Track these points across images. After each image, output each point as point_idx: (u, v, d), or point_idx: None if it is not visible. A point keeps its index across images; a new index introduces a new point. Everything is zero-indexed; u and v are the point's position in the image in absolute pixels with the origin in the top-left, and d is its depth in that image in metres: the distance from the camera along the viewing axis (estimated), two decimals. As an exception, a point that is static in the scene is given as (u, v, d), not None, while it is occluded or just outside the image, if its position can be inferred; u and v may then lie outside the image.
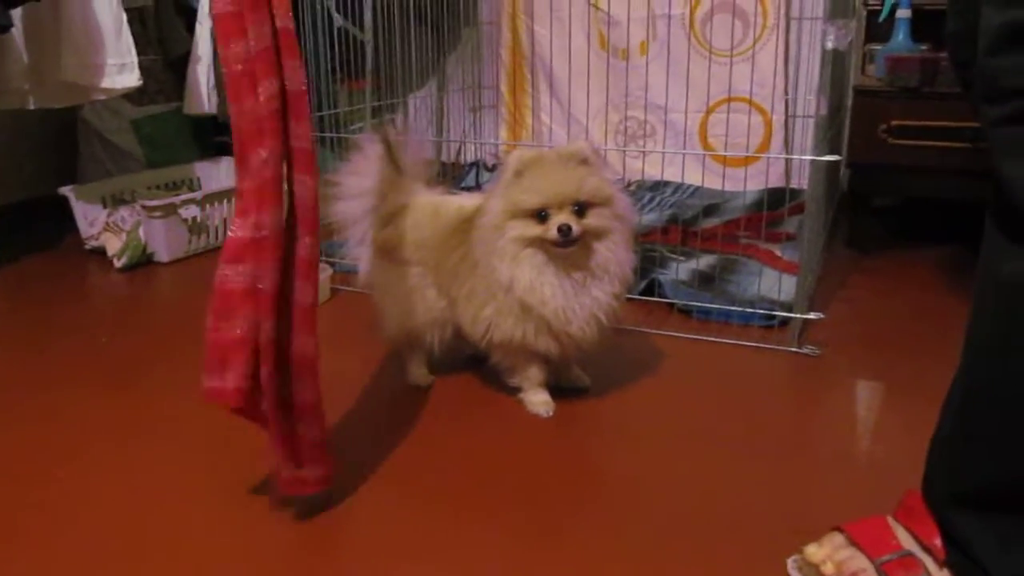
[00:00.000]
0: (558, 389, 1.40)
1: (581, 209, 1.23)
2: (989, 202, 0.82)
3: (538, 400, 1.36)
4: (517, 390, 1.38)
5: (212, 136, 2.75)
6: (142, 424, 1.37)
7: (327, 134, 2.14)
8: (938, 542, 0.89)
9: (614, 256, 1.28)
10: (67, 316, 1.91)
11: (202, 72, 2.54)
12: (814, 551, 0.96)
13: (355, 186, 1.40)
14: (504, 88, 3.05)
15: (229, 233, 1.02)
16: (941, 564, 0.89)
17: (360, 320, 1.62)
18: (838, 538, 0.96)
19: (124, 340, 1.75)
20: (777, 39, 2.65)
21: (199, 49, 2.53)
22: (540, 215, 1.22)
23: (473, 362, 1.49)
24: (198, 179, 2.61)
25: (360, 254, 1.45)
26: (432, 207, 1.39)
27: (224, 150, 2.73)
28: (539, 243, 1.23)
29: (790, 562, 0.97)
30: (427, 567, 1.00)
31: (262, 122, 0.98)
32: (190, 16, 2.55)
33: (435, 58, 2.80)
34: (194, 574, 1.00)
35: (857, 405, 1.44)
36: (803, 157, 1.91)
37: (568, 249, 1.23)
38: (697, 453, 1.25)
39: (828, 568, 0.94)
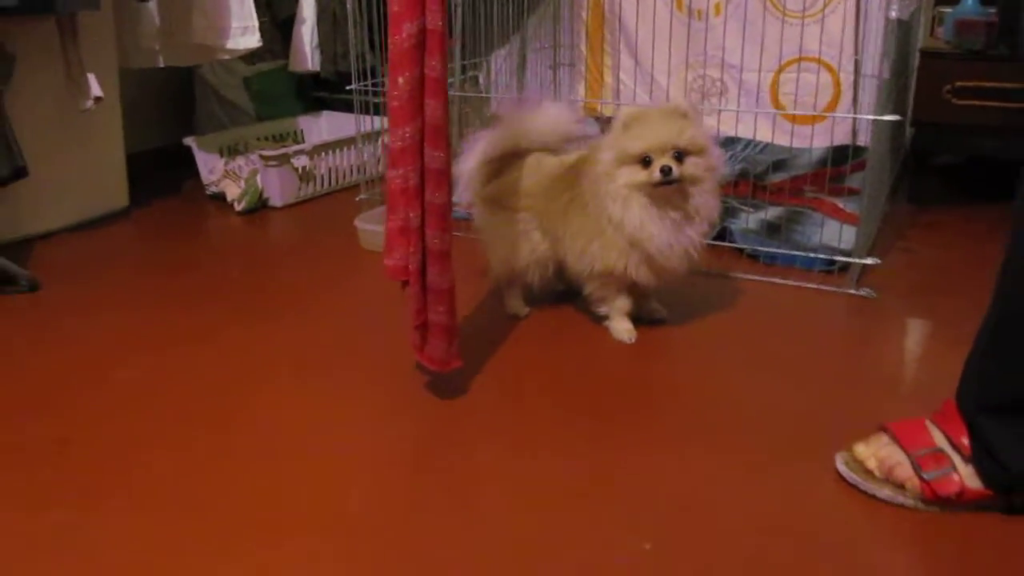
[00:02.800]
0: (638, 319, 1.60)
1: (680, 156, 1.42)
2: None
3: (623, 328, 1.56)
4: (604, 319, 1.59)
5: (313, 92, 2.97)
6: (274, 341, 1.61)
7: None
8: (966, 441, 1.07)
9: (706, 201, 1.47)
10: (198, 252, 2.17)
11: (306, 33, 2.76)
12: (861, 449, 1.15)
13: (478, 151, 1.61)
14: (584, 47, 3.21)
15: (386, 142, 1.26)
16: (967, 460, 1.07)
17: (465, 262, 1.83)
18: (883, 437, 1.14)
19: (251, 273, 1.99)
20: (847, 2, 2.75)
21: (303, 12, 2.75)
22: (645, 161, 1.42)
23: (565, 296, 1.70)
24: (302, 131, 2.84)
25: (472, 203, 1.66)
26: (536, 161, 1.59)
27: (324, 104, 2.96)
28: (645, 187, 1.43)
29: (838, 457, 1.16)
30: (523, 455, 1.22)
31: (403, 54, 1.20)
32: (293, -21, 2.76)
33: (517, 18, 2.96)
34: (340, 448, 1.24)
35: (907, 340, 1.61)
36: (866, 116, 2.04)
37: (668, 189, 1.42)
38: (760, 376, 1.45)
39: (871, 463, 1.13)
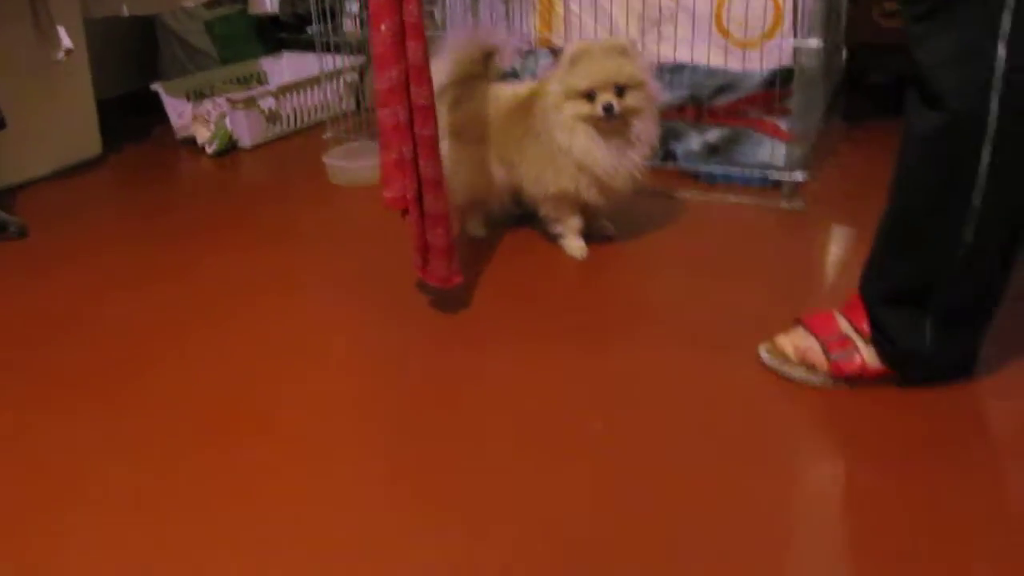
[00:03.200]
0: (589, 237, 1.75)
1: (621, 91, 1.57)
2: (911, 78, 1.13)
3: (575, 245, 1.72)
4: (558, 238, 1.74)
5: (274, 33, 3.04)
6: (256, 266, 1.75)
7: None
8: (866, 326, 1.25)
9: (645, 128, 1.63)
10: (173, 194, 2.29)
11: (263, -25, 2.82)
12: (781, 339, 1.32)
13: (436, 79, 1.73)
14: (534, -21, 3.29)
15: (375, 85, 1.39)
16: (868, 342, 1.25)
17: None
18: (799, 329, 1.32)
19: (226, 210, 2.12)
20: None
21: (260, -47, 2.81)
22: (589, 96, 1.56)
23: (522, 219, 1.85)
24: (265, 73, 2.93)
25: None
26: (492, 95, 1.72)
27: (284, 45, 3.03)
28: (589, 118, 1.58)
29: (761, 347, 1.34)
30: (500, 354, 1.39)
31: (383, 4, 1.33)
32: (249, -78, 2.81)
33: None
34: (348, 360, 1.39)
35: (831, 245, 1.79)
36: (789, 41, 2.18)
37: (611, 122, 1.57)
38: (697, 281, 1.62)
39: (788, 349, 1.30)
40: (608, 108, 1.55)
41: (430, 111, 1.41)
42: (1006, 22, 1.00)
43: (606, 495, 1.07)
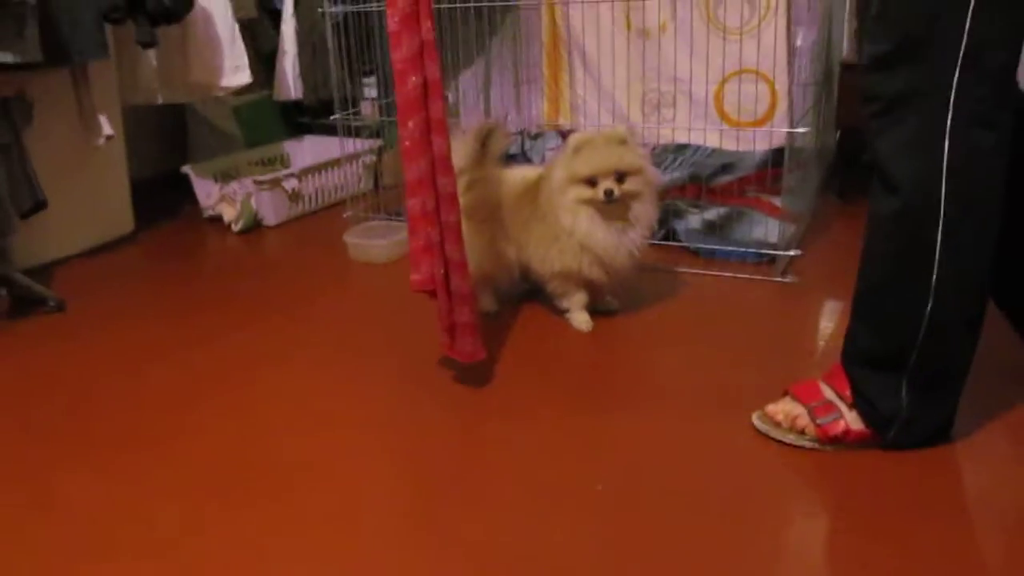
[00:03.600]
0: (594, 311, 1.86)
1: (621, 176, 1.70)
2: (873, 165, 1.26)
3: (581, 319, 1.83)
4: (564, 312, 1.85)
5: (296, 118, 3.22)
6: (282, 336, 1.86)
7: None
8: (848, 392, 1.34)
9: (644, 210, 1.76)
10: (202, 268, 2.43)
11: (288, 64, 3.01)
12: (771, 407, 1.42)
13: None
14: (544, 66, 3.48)
15: (406, 175, 1.51)
16: (851, 406, 1.34)
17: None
18: (787, 398, 1.42)
19: (252, 284, 2.24)
20: (778, 17, 3.03)
21: (285, 44, 3.00)
22: (591, 182, 1.69)
23: (530, 294, 1.96)
24: (288, 155, 3.09)
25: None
26: (500, 178, 1.85)
27: (307, 129, 3.21)
28: (591, 201, 1.70)
29: (754, 415, 1.43)
30: (511, 421, 1.48)
31: (410, 102, 1.46)
32: (276, 18, 3.01)
33: (482, 41, 3.23)
34: (382, 427, 1.49)
35: (821, 317, 1.89)
36: (782, 130, 2.33)
37: (611, 206, 1.70)
38: (695, 351, 1.72)
39: (779, 417, 1.40)
40: (609, 193, 1.67)
41: (454, 199, 1.53)
42: (949, 120, 1.12)
43: (608, 547, 1.16)
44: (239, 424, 1.53)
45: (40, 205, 2.23)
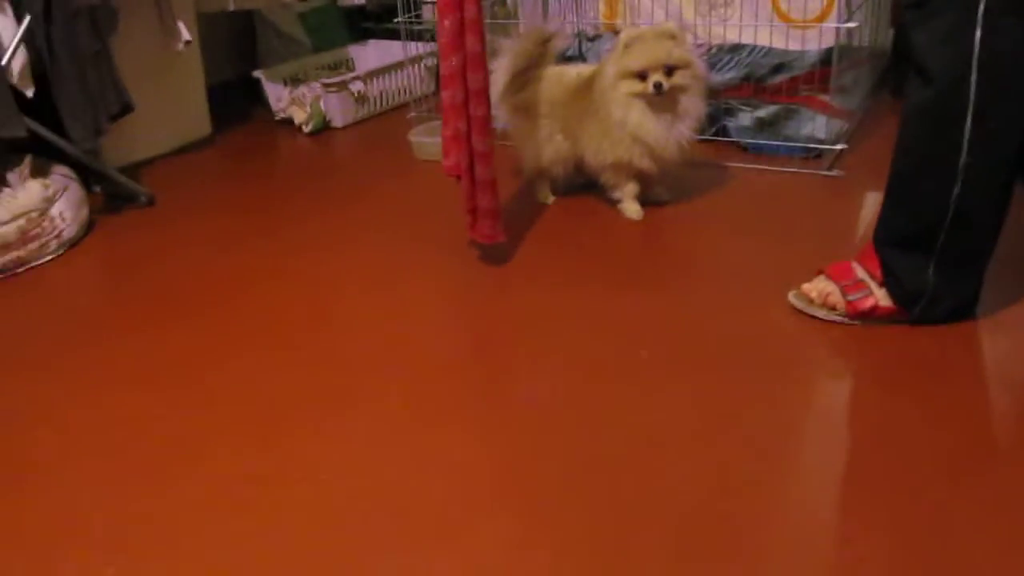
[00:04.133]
0: (645, 201, 1.97)
1: (670, 70, 1.78)
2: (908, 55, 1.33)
3: (633, 208, 1.95)
4: (617, 202, 1.97)
5: (361, 23, 3.32)
6: (355, 220, 2.02)
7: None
8: (878, 271, 1.45)
9: (692, 104, 1.85)
10: (278, 167, 2.58)
11: (351, -30, 3.09)
12: (807, 285, 1.53)
13: (505, 66, 1.96)
14: (601, -33, 3.49)
15: (428, 65, 1.63)
16: (880, 284, 1.45)
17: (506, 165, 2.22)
18: (821, 277, 1.52)
19: (325, 180, 2.40)
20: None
21: (348, -51, 3.08)
22: (642, 75, 1.78)
23: (584, 187, 2.08)
24: (352, 60, 3.20)
25: (503, 114, 2.03)
26: (557, 75, 1.95)
27: (370, 34, 3.31)
28: (642, 95, 1.80)
29: (790, 294, 1.54)
30: (559, 293, 1.62)
31: (447, 4, 1.57)
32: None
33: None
34: (414, 296, 1.65)
35: (862, 207, 1.97)
36: (834, 25, 2.36)
37: (661, 98, 1.79)
38: (740, 239, 1.83)
39: (813, 294, 1.51)
40: (658, 86, 1.77)
41: (483, 94, 1.64)
42: (981, 10, 1.19)
43: (651, 408, 1.30)
44: (308, 289, 1.74)
45: (127, 108, 2.38)
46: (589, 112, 1.89)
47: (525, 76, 1.95)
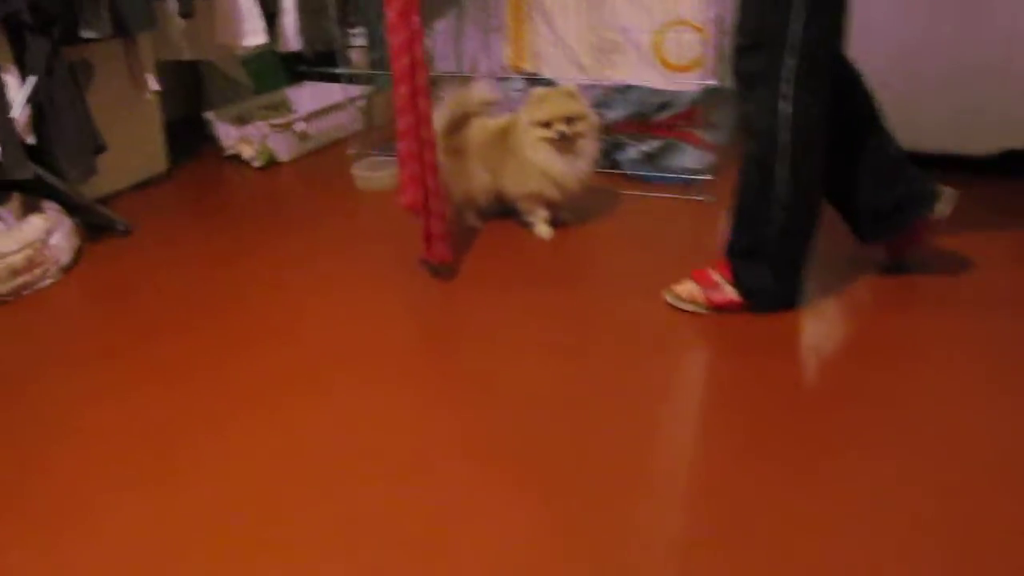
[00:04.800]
0: (554, 223, 2.45)
1: (570, 120, 2.26)
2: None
3: (543, 229, 2.42)
4: (530, 225, 2.44)
5: (296, 67, 3.71)
6: (303, 247, 2.43)
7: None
8: (728, 274, 1.94)
9: (588, 146, 2.32)
10: (231, 198, 2.95)
11: (289, 21, 3.48)
12: (677, 287, 2.01)
13: (441, 115, 2.41)
14: (508, 15, 3.99)
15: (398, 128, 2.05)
16: (730, 283, 1.95)
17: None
18: (688, 279, 2.01)
19: (273, 209, 2.79)
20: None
21: (285, 3, 3.47)
22: (548, 124, 2.25)
23: (503, 214, 2.54)
24: (290, 100, 3.59)
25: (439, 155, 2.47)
26: (481, 123, 2.41)
27: (306, 77, 3.70)
28: (549, 139, 2.26)
29: (665, 292, 2.03)
30: (485, 293, 2.08)
31: (402, 74, 1.99)
32: (277, -22, 3.47)
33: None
34: (367, 309, 2.08)
35: (722, 225, 2.48)
36: (705, 83, 2.90)
37: (563, 142, 2.27)
38: (631, 251, 2.33)
39: (683, 293, 2.00)
40: (561, 133, 2.24)
41: (432, 144, 2.08)
42: (782, 89, 1.70)
43: (563, 381, 1.76)
44: (273, 297, 2.16)
45: (100, 149, 2.71)
46: (507, 152, 2.35)
47: (457, 125, 2.40)
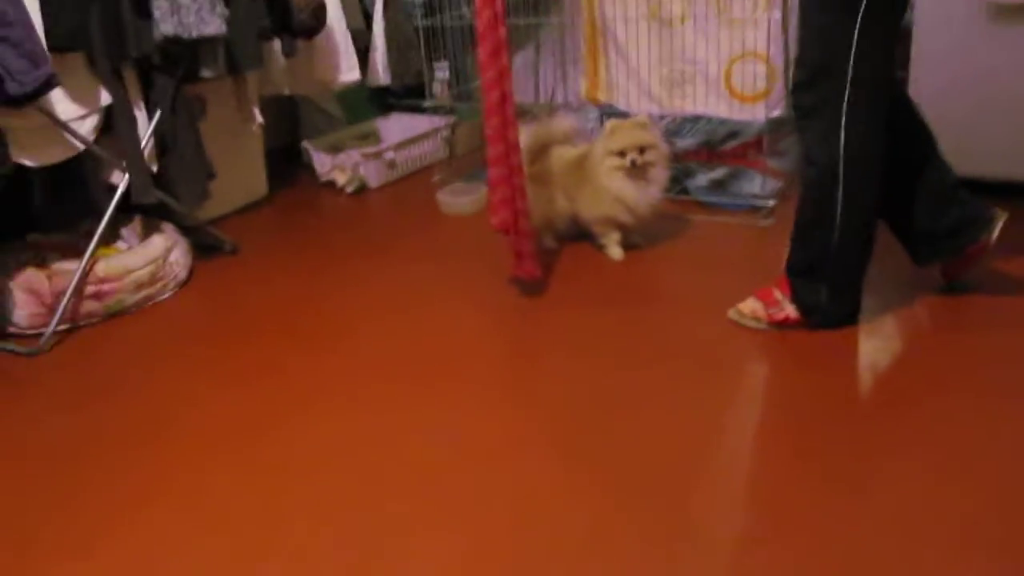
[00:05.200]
0: (625, 246, 2.62)
1: (642, 150, 2.43)
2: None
3: (615, 251, 2.60)
4: (603, 247, 2.61)
5: (386, 100, 3.98)
6: (392, 266, 2.64)
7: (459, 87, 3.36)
8: (788, 292, 2.08)
9: (659, 174, 2.49)
10: (327, 221, 3.20)
11: (379, 57, 3.75)
12: (741, 305, 2.16)
13: (524, 145, 2.60)
14: (584, 49, 4.19)
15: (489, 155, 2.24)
16: (790, 301, 2.09)
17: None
18: (751, 298, 2.16)
19: (370, 230, 3.03)
20: (774, 8, 3.71)
21: (376, 42, 3.74)
22: (621, 154, 2.43)
23: (579, 236, 2.72)
24: (379, 130, 3.85)
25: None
26: (558, 153, 2.60)
27: (394, 108, 3.96)
28: (622, 168, 2.44)
29: (730, 311, 2.18)
30: (569, 313, 2.25)
31: (493, 108, 2.20)
32: (368, 19, 3.75)
33: (533, 30, 3.94)
34: (462, 320, 2.27)
35: (785, 248, 2.62)
36: (771, 113, 3.04)
37: (635, 170, 2.44)
38: (695, 272, 2.48)
39: (746, 310, 2.14)
40: (633, 162, 2.42)
41: (521, 169, 2.28)
42: (843, 121, 1.85)
43: (632, 385, 1.93)
44: (359, 303, 2.36)
45: (212, 176, 3.00)
46: (583, 180, 2.54)
47: (535, 154, 2.60)
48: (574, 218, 2.64)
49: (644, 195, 2.48)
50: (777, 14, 3.74)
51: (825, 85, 1.87)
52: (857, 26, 1.79)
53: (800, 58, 1.91)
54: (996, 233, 2.06)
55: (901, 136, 2.01)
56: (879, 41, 1.84)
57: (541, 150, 2.60)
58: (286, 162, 3.74)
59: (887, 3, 1.80)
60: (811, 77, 1.89)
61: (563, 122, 2.63)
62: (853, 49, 1.82)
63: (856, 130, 1.87)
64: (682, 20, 3.91)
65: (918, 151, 2.06)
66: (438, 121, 3.53)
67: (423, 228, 3.02)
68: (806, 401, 1.83)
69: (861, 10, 1.78)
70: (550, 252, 2.68)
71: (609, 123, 2.48)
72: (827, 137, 1.89)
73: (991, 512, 1.48)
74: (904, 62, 2.75)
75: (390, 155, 3.46)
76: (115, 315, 2.48)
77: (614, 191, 2.47)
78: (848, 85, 1.85)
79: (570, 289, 2.43)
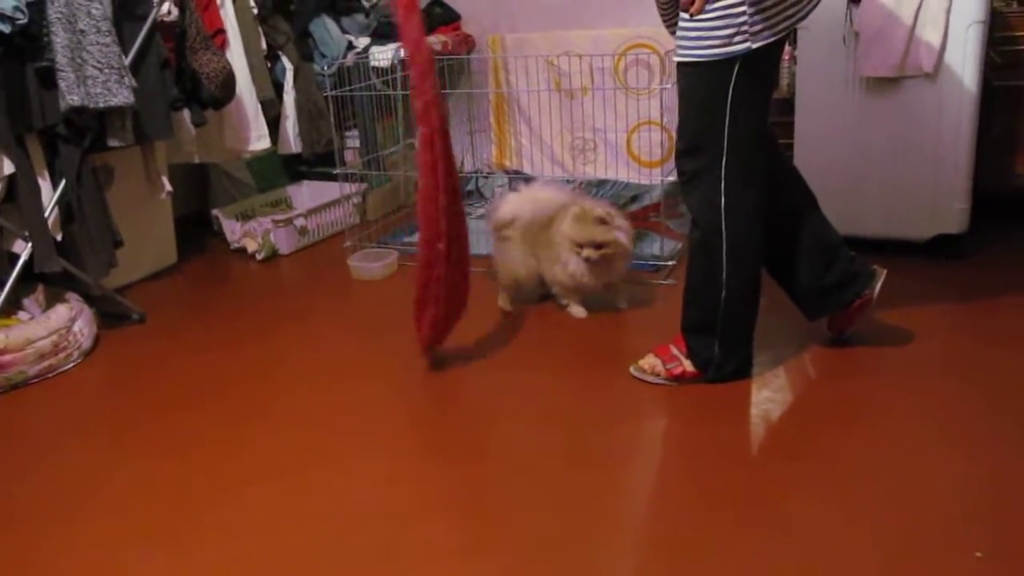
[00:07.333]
0: (610, 308, 2.70)
1: (599, 246, 2.50)
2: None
3: (577, 310, 2.69)
4: (565, 306, 2.70)
5: (296, 167, 4.02)
6: (304, 334, 2.67)
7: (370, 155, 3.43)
8: (684, 348, 2.19)
9: (615, 263, 2.57)
10: (236, 288, 3.21)
11: (290, 126, 3.80)
12: (641, 361, 2.25)
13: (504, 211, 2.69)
14: (492, 119, 4.33)
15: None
16: (686, 356, 2.19)
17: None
18: (650, 354, 2.25)
19: (281, 297, 3.04)
20: (668, 80, 3.92)
21: (287, 111, 3.79)
22: (580, 246, 2.50)
23: (542, 298, 2.79)
24: (290, 198, 3.89)
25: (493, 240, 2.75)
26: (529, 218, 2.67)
27: (305, 176, 4.00)
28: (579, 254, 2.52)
29: (631, 367, 2.27)
30: (519, 375, 2.31)
31: (432, 221, 2.24)
32: (279, 89, 3.80)
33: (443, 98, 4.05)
34: (372, 398, 2.31)
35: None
36: (671, 178, 3.20)
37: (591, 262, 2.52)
38: (601, 328, 2.57)
39: (645, 366, 2.23)
40: (588, 258, 2.50)
41: (443, 254, 2.23)
42: (722, 186, 1.98)
43: (541, 436, 1.99)
44: (270, 372, 2.35)
45: (118, 244, 2.98)
46: (551, 243, 2.61)
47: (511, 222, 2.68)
48: (540, 277, 2.70)
49: (597, 278, 2.58)
50: (670, 85, 3.93)
51: (704, 152, 2.00)
52: (729, 98, 1.93)
53: (680, 129, 2.04)
54: (878, 288, 2.22)
55: (784, 198, 2.15)
56: (751, 108, 1.98)
57: (512, 220, 2.68)
58: (196, 229, 3.73)
59: (756, 76, 1.95)
60: (691, 146, 2.02)
61: (558, 195, 2.72)
62: (727, 118, 1.96)
63: (735, 191, 2.00)
64: (585, 92, 4.09)
65: (801, 212, 2.20)
66: (348, 188, 3.59)
67: (334, 294, 3.05)
68: (703, 450, 1.92)
69: (731, 83, 1.92)
70: (517, 310, 2.76)
71: (576, 208, 2.54)
72: (710, 199, 2.02)
73: (875, 541, 1.58)
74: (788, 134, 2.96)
75: (301, 222, 3.49)
76: (16, 387, 2.43)
77: (570, 268, 2.56)
78: (725, 152, 1.98)
79: (527, 344, 2.52)
